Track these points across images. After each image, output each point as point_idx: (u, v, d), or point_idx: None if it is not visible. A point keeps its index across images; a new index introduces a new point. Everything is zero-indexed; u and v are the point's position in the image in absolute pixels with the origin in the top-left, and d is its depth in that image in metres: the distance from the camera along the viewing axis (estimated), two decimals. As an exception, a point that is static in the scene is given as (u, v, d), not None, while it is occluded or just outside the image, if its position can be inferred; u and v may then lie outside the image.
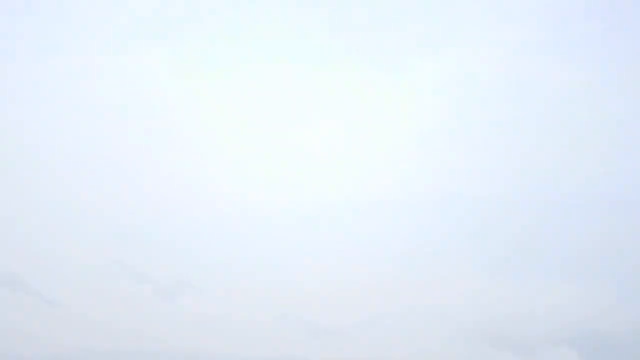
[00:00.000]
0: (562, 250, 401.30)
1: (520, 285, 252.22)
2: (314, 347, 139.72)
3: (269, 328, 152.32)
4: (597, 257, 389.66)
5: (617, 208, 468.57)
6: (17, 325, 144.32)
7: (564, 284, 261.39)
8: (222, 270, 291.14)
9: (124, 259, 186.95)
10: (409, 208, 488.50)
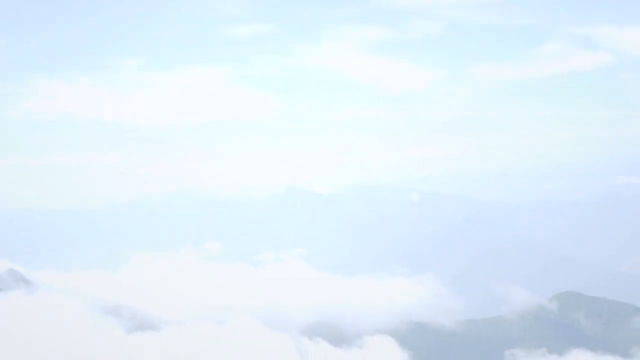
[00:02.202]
0: (394, 249, 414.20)
1: (355, 281, 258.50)
2: (139, 340, 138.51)
3: (98, 321, 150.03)
4: (426, 255, 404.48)
5: (453, 207, 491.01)
6: None
7: (396, 279, 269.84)
8: (52, 262, 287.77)
9: None
10: (242, 202, 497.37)
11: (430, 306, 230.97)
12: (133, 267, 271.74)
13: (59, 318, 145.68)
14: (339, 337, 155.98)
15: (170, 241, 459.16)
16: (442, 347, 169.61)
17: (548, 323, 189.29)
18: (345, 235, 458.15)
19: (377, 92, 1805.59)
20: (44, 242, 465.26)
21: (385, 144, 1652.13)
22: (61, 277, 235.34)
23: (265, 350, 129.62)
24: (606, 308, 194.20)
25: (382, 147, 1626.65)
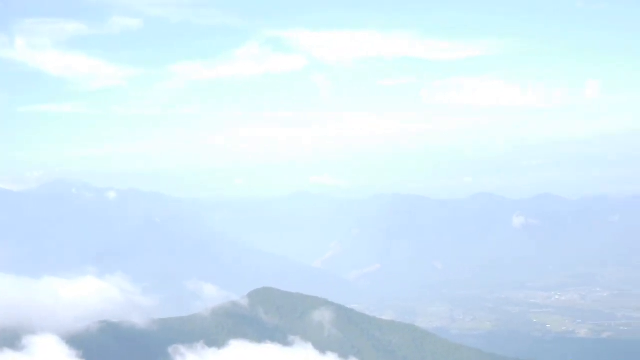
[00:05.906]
0: (87, 248, 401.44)
1: (41, 283, 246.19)
2: None
3: None
4: (120, 253, 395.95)
5: (148, 204, 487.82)
6: None
7: (85, 279, 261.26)
8: None
9: None
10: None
11: (121, 305, 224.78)
12: None
13: None
14: (3, 340, 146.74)
15: None
16: (126, 346, 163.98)
17: (238, 319, 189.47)
18: (34, 235, 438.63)
19: (72, 87, 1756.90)
20: None
21: (80, 139, 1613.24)
22: None
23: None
24: (299, 302, 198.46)
25: (76, 142, 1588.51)
